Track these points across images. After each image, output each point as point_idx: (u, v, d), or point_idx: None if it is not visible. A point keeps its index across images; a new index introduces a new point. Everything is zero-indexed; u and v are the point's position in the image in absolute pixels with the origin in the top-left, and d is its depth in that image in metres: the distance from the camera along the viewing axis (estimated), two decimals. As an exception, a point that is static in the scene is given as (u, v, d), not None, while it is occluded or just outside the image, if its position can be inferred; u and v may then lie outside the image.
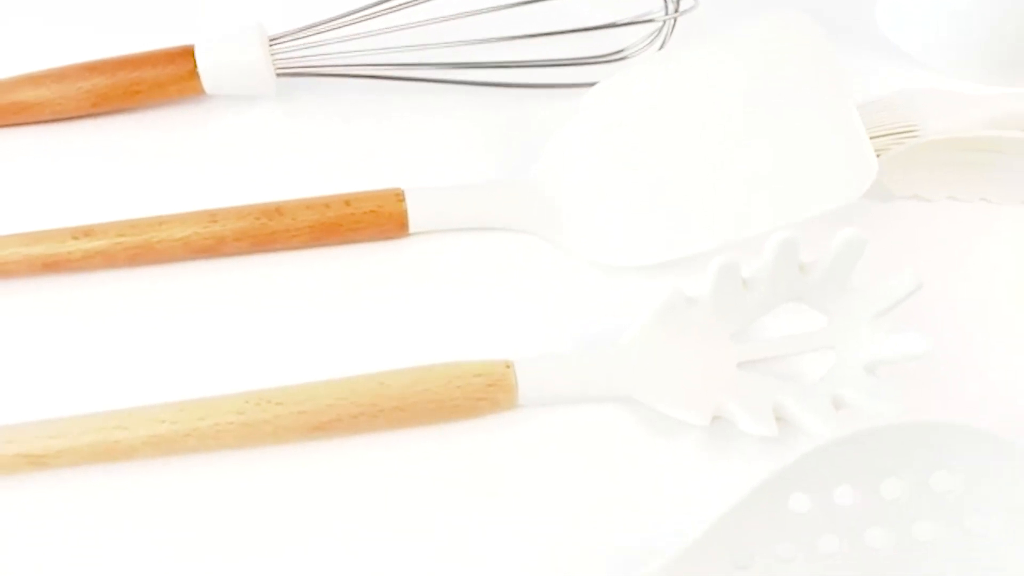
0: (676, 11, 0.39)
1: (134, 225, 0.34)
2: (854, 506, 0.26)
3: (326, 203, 0.34)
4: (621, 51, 0.40)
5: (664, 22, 0.39)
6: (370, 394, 0.29)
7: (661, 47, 0.40)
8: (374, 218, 0.34)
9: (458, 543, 0.28)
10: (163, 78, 0.38)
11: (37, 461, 0.28)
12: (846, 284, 0.31)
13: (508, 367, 0.30)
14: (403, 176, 0.36)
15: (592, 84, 0.37)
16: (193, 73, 0.38)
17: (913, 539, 0.26)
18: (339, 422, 0.29)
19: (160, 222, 0.33)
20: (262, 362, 0.32)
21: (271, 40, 0.39)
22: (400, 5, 0.38)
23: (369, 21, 0.38)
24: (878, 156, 0.34)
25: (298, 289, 0.34)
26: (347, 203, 0.34)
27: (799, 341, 0.33)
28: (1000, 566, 0.25)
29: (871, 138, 0.35)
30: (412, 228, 0.35)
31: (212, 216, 0.34)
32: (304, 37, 0.39)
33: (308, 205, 0.34)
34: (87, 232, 0.33)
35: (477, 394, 0.30)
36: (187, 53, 0.38)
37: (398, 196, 0.35)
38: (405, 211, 0.34)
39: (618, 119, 0.37)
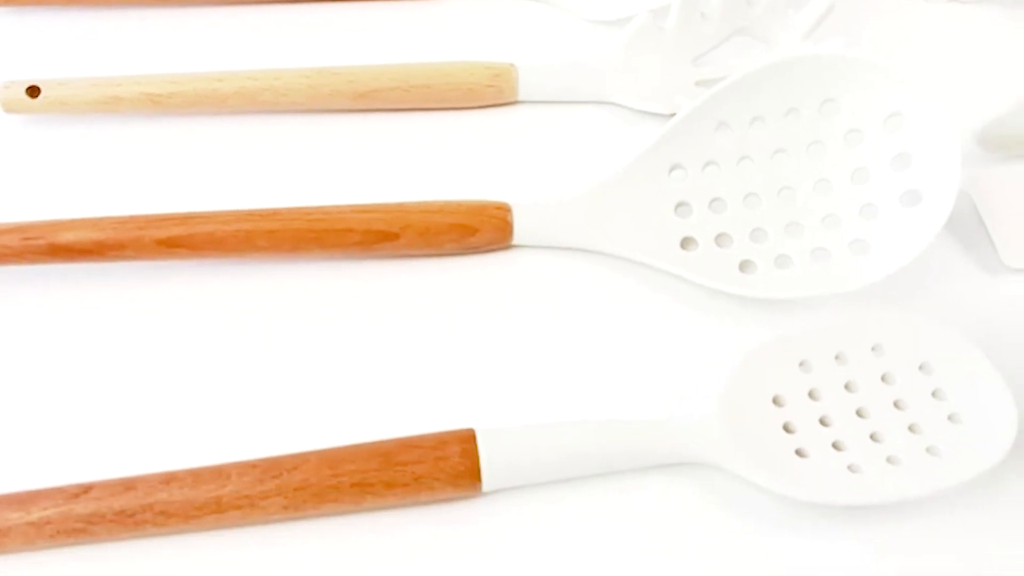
0: None
1: None
2: (765, 127, 0.34)
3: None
4: None
5: None
6: (403, 72, 0.38)
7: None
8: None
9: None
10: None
11: (156, 100, 0.37)
12: (785, 16, 0.40)
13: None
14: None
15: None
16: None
17: (807, 150, 0.34)
18: (379, 92, 0.38)
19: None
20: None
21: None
22: None
23: None
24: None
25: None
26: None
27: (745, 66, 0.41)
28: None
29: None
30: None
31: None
32: None
33: None
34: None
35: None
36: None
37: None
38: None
39: None
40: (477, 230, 0.33)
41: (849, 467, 0.28)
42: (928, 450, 0.28)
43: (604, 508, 0.28)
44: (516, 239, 0.34)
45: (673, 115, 0.35)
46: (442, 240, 0.33)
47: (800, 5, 0.40)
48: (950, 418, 0.29)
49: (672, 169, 0.35)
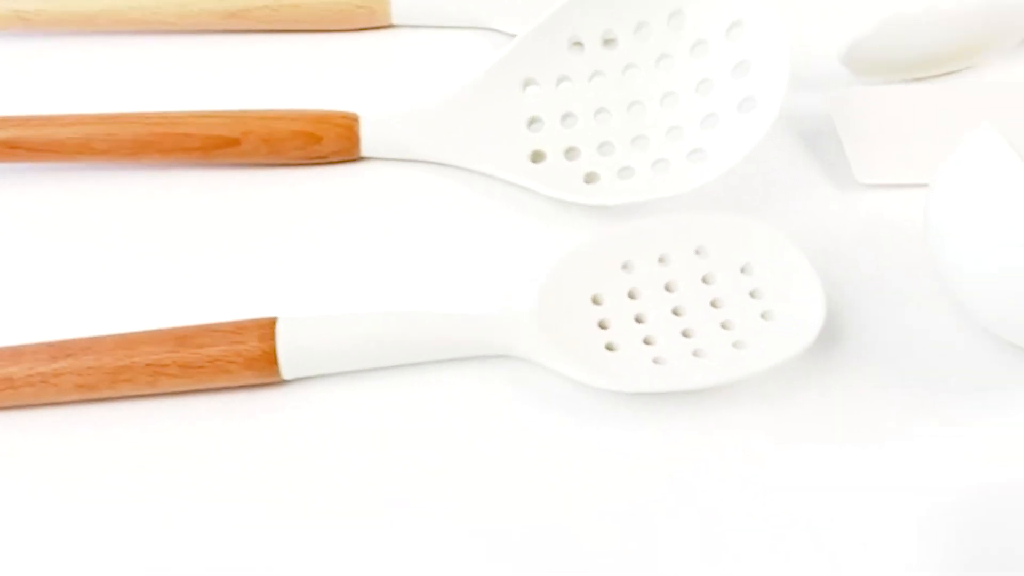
0: None
1: None
2: (617, 43, 0.34)
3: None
4: None
5: None
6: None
7: None
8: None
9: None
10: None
11: (25, 18, 0.37)
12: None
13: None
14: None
15: None
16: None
17: (656, 64, 0.34)
18: (248, 12, 0.38)
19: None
20: None
21: None
22: None
23: None
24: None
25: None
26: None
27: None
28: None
29: None
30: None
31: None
32: None
33: None
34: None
35: None
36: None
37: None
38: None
39: None
40: (321, 138, 0.33)
41: (655, 359, 0.28)
42: (735, 344, 0.28)
43: (414, 399, 0.28)
44: (365, 151, 0.35)
45: None
46: (286, 147, 0.33)
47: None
48: (763, 316, 0.28)
49: (526, 85, 0.35)
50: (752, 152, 0.32)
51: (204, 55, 0.39)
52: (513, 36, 0.38)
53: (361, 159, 0.35)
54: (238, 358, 0.26)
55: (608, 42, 0.34)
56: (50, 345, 0.27)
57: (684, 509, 0.26)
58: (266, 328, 0.27)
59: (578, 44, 0.34)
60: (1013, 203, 0.26)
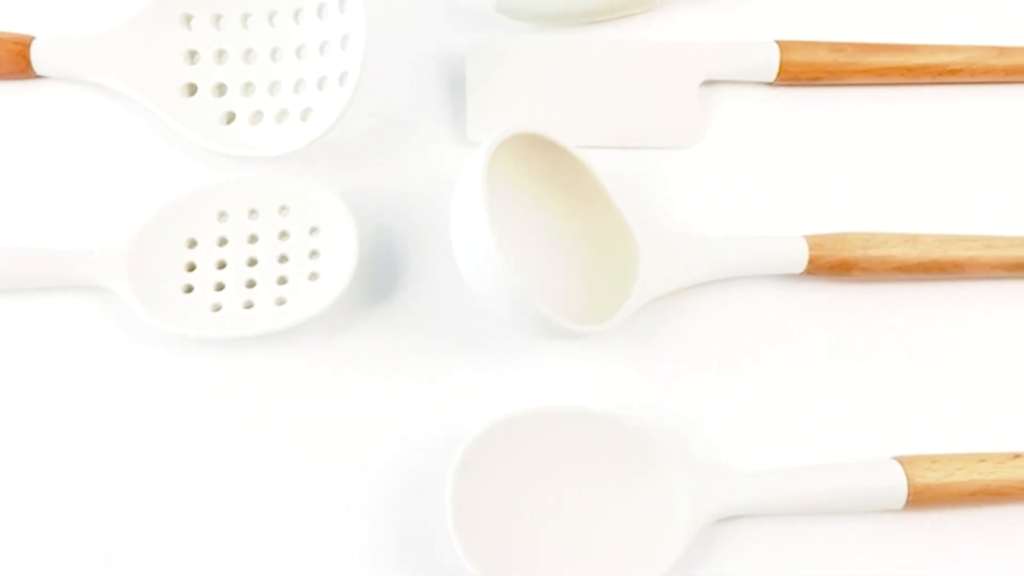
0: None
1: None
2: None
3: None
4: None
5: None
6: None
7: None
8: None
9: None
10: None
11: None
12: None
13: None
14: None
15: None
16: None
17: (294, 19, 0.38)
18: None
19: None
20: None
21: None
22: None
23: None
24: None
25: None
26: None
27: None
28: None
29: None
30: None
31: None
32: None
33: None
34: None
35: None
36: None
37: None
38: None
39: None
40: (-7, 59, 0.38)
41: (215, 307, 0.35)
42: (280, 301, 0.35)
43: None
44: (38, 71, 0.39)
45: None
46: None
47: None
48: (311, 276, 0.35)
49: (188, 20, 0.39)
50: (387, 103, 0.38)
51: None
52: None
53: (37, 77, 0.39)
54: None
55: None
56: None
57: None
58: None
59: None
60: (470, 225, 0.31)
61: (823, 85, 0.42)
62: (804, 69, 0.41)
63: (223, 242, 0.36)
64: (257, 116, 0.38)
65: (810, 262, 0.37)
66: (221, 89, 0.39)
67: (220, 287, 0.35)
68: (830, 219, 0.39)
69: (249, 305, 0.35)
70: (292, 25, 0.38)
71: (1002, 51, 0.42)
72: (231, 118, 0.39)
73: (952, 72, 0.42)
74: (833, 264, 0.37)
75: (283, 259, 0.36)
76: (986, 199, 0.41)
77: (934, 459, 0.34)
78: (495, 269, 0.31)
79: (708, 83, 0.41)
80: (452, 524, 0.31)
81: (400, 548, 0.33)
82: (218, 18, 0.38)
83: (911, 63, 0.42)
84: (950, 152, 0.41)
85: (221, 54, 0.39)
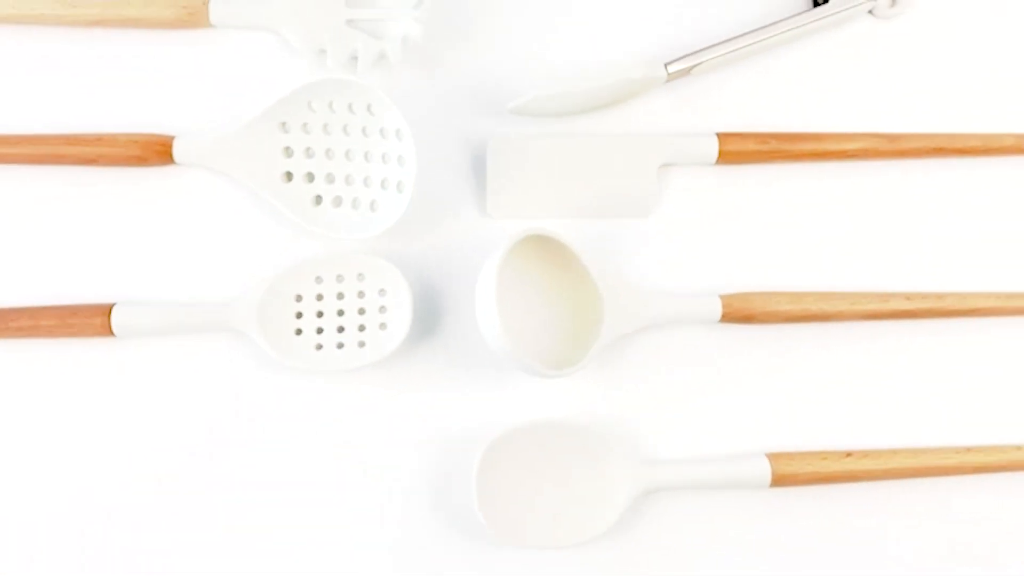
0: None
1: None
2: (334, 114, 0.52)
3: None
4: None
5: None
6: None
7: None
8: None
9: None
10: None
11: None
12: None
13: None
14: None
15: None
16: None
17: (362, 133, 0.52)
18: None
19: None
20: None
21: None
22: None
23: None
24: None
25: None
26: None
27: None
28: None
29: None
30: None
31: None
32: None
33: None
34: None
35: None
36: None
37: None
38: None
39: None
40: (146, 159, 0.52)
41: (318, 347, 0.51)
42: (361, 344, 0.51)
43: (165, 359, 0.53)
44: (179, 161, 0.54)
45: (321, 51, 0.54)
46: (114, 164, 0.53)
47: None
48: (381, 326, 0.52)
49: (284, 127, 0.53)
50: (427, 181, 0.53)
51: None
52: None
53: (175, 164, 0.54)
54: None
55: (331, 105, 0.52)
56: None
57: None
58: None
59: (311, 107, 0.52)
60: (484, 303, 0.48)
61: (754, 164, 0.56)
62: (738, 155, 0.55)
63: (320, 298, 0.52)
64: (337, 200, 0.54)
65: (723, 315, 0.53)
66: (310, 177, 0.54)
67: (319, 331, 0.52)
68: (756, 273, 0.55)
69: (340, 345, 0.51)
70: (361, 137, 0.53)
71: (891, 138, 0.56)
72: (318, 200, 0.54)
73: (853, 155, 0.56)
74: (739, 316, 0.53)
75: (361, 312, 0.52)
76: (874, 258, 0.56)
77: (791, 456, 0.51)
78: (502, 343, 0.47)
79: (664, 165, 0.55)
80: (475, 491, 0.49)
81: (434, 509, 0.52)
82: (305, 126, 0.53)
83: (821, 149, 0.56)
84: (852, 218, 0.56)
85: (309, 151, 0.53)
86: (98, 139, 0.53)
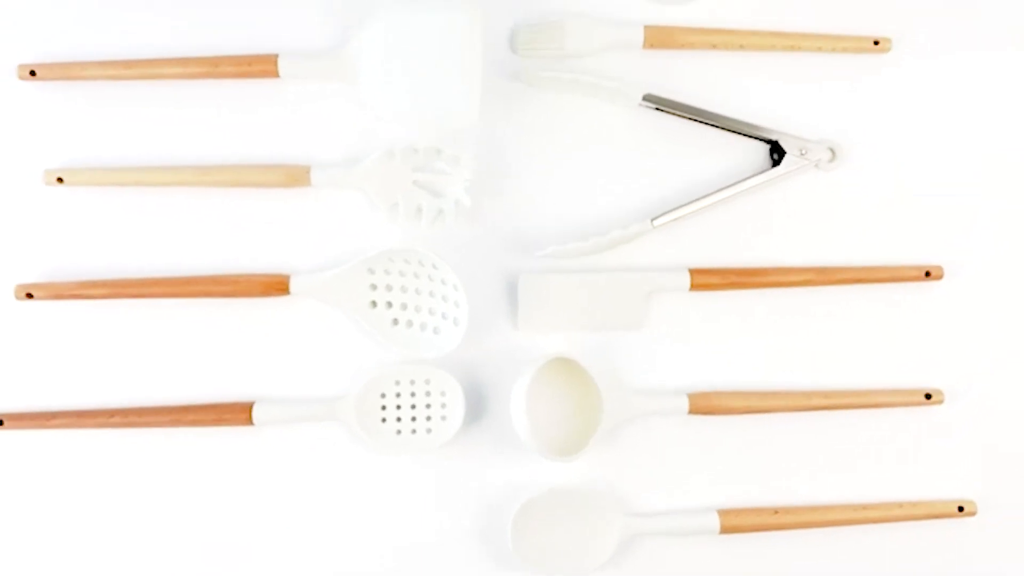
0: None
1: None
2: (409, 265, 0.71)
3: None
4: None
5: None
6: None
7: None
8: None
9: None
10: None
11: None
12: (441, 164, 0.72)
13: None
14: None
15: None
16: None
17: (429, 279, 0.72)
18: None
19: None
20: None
21: None
22: None
23: None
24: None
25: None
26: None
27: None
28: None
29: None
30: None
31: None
32: None
33: None
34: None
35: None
36: None
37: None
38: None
39: None
40: (269, 292, 0.72)
41: (397, 432, 0.72)
42: (428, 431, 0.71)
43: (274, 445, 0.73)
44: (294, 292, 0.73)
45: (395, 204, 0.72)
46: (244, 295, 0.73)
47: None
48: (443, 417, 0.72)
49: (370, 270, 0.72)
50: (472, 311, 0.72)
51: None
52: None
53: (290, 294, 0.73)
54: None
55: (406, 259, 0.71)
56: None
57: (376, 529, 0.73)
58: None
59: (391, 259, 0.71)
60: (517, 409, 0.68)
61: (718, 291, 0.75)
62: (706, 285, 0.74)
63: (397, 396, 0.72)
64: (409, 323, 0.73)
65: (690, 408, 0.72)
66: (389, 305, 0.73)
67: (398, 420, 0.72)
68: (718, 374, 0.75)
69: (413, 432, 0.72)
70: (427, 280, 0.72)
71: (821, 271, 0.75)
72: (395, 323, 0.73)
73: (795, 284, 0.75)
74: (702, 409, 0.73)
75: (428, 406, 0.72)
76: (806, 364, 0.75)
77: (737, 511, 0.72)
78: (531, 442, 0.68)
79: (650, 292, 0.74)
80: (511, 535, 0.70)
81: (481, 543, 0.73)
82: (387, 270, 0.72)
83: (769, 280, 0.74)
84: (790, 333, 0.75)
85: (389, 287, 0.73)
86: (235, 280, 0.72)
